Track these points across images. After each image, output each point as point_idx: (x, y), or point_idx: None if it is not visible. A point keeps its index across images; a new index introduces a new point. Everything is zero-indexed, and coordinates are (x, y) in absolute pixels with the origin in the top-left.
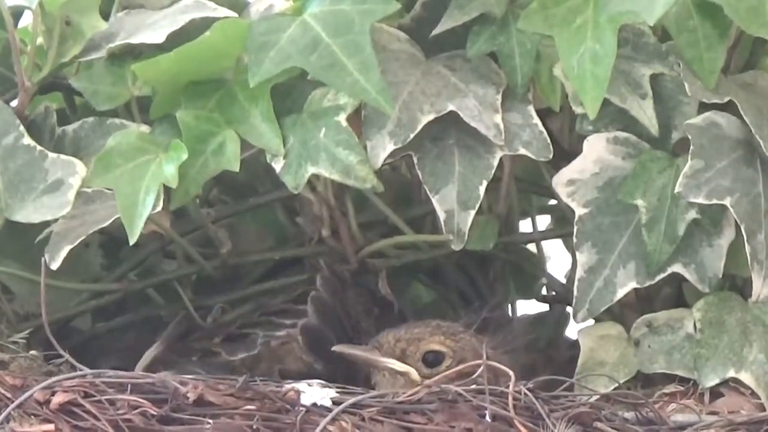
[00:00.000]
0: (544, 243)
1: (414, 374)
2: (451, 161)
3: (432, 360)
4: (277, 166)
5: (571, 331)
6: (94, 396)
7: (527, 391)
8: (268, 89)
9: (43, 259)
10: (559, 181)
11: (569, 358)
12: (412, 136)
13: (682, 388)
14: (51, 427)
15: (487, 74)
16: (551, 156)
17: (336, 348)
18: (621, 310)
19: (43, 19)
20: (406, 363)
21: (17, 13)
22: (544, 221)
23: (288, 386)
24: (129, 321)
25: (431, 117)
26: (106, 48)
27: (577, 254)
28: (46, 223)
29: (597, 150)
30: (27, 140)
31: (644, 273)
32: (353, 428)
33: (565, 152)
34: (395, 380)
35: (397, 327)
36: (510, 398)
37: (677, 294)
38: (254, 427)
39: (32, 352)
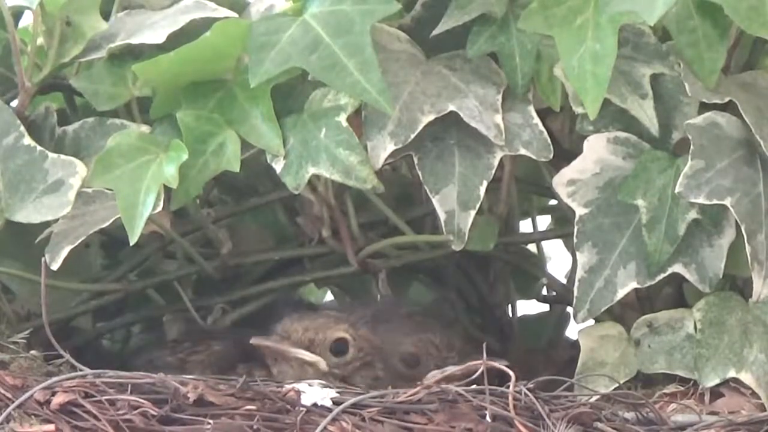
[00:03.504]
0: (544, 243)
1: (322, 364)
2: (452, 161)
3: (338, 349)
4: (278, 166)
5: (572, 331)
6: (95, 396)
7: (527, 391)
8: (269, 89)
9: (43, 260)
10: (560, 182)
11: (569, 358)
12: (412, 136)
13: (682, 388)
14: (51, 427)
15: (488, 74)
16: (551, 156)
17: (252, 340)
18: (621, 310)
19: (43, 19)
20: (314, 353)
21: (17, 13)
22: (544, 221)
23: (288, 386)
24: (129, 321)
25: (431, 117)
26: (107, 48)
27: (578, 254)
28: (47, 224)
29: (597, 150)
30: (27, 140)
31: (645, 273)
32: (353, 428)
33: (566, 152)
34: (303, 371)
35: (297, 316)
36: (510, 398)
37: (678, 294)
38: (254, 427)
39: (32, 352)
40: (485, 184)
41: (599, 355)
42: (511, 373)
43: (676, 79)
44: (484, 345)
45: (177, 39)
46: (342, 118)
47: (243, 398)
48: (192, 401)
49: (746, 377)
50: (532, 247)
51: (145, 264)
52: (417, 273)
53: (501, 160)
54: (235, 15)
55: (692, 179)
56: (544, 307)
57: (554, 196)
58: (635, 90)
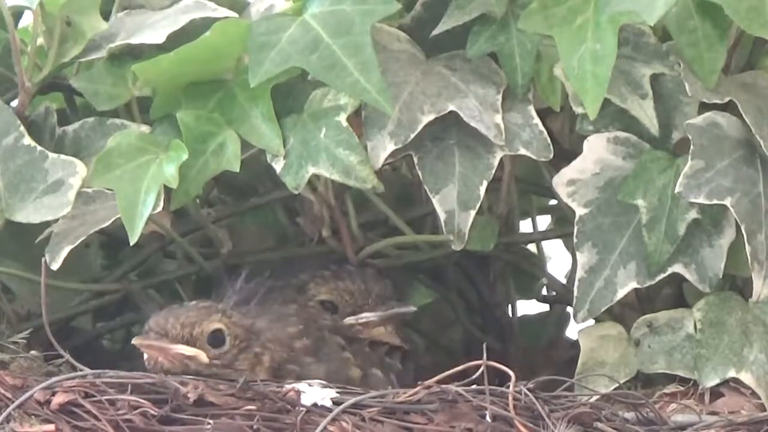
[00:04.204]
0: (544, 243)
1: (203, 357)
2: (452, 161)
3: (215, 340)
4: (278, 166)
5: (572, 331)
6: (95, 396)
7: (527, 391)
8: (269, 89)
9: (43, 260)
10: (560, 181)
11: (569, 358)
12: (412, 136)
13: (682, 388)
14: (51, 427)
15: (488, 74)
16: (551, 156)
17: (134, 340)
18: (621, 310)
19: (43, 19)
20: (194, 346)
21: (17, 13)
22: (544, 221)
23: (288, 386)
24: (129, 321)
25: (431, 117)
26: (107, 48)
27: (578, 254)
28: (47, 224)
29: (597, 150)
30: (27, 140)
31: (645, 273)
32: (353, 428)
33: (566, 152)
34: (184, 366)
35: (166, 311)
36: (510, 398)
37: (678, 294)
38: (254, 427)
39: (32, 352)
40: (485, 184)
41: (599, 355)
42: (511, 373)
43: (676, 79)
44: (484, 345)
45: (177, 39)
46: (342, 118)
47: (243, 398)
48: (192, 401)
49: (746, 377)
50: (532, 247)
51: (145, 264)
52: (417, 273)
53: (501, 160)
54: (235, 15)
55: (692, 179)
56: (544, 307)
57: (554, 196)
58: (635, 90)
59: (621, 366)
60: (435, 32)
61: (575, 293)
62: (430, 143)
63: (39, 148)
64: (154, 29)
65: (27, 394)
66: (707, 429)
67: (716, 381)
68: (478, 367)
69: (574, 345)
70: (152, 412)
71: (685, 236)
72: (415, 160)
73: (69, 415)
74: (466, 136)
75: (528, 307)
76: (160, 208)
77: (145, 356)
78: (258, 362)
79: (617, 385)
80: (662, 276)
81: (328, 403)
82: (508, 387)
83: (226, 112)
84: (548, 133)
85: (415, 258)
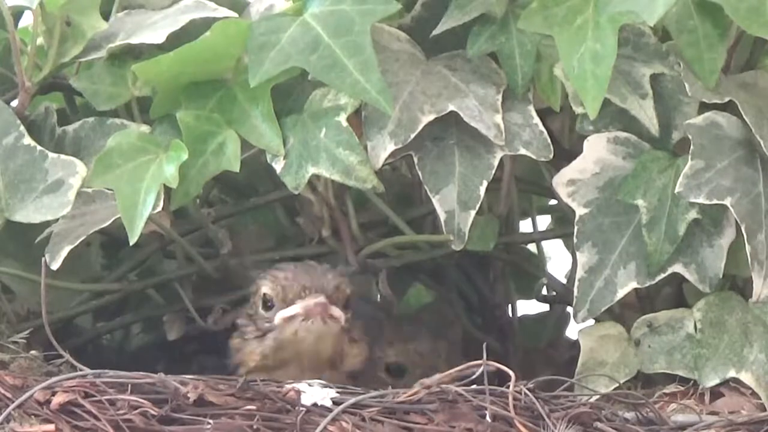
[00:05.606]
0: (544, 243)
1: (343, 320)
2: (452, 161)
3: (347, 305)
4: (278, 166)
5: (572, 331)
6: (95, 396)
7: (527, 391)
8: (269, 89)
9: (43, 259)
10: (560, 181)
11: (569, 358)
12: (412, 136)
13: (682, 388)
14: (51, 427)
15: (488, 74)
16: (551, 156)
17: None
18: (621, 310)
19: (43, 19)
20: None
21: (17, 13)
22: (544, 221)
23: (288, 386)
24: (129, 321)
25: (432, 117)
26: (107, 48)
27: (578, 254)
28: (47, 223)
29: (597, 150)
30: (27, 140)
31: (645, 273)
32: (353, 428)
33: (566, 152)
34: (327, 329)
35: (310, 270)
36: (510, 398)
37: (678, 294)
38: (254, 427)
39: (32, 352)
40: (485, 184)
41: (599, 355)
42: (511, 373)
43: (676, 79)
44: (485, 345)
45: (177, 39)
46: (342, 118)
47: (243, 398)
48: (192, 401)
49: (746, 377)
50: (532, 247)
51: (145, 264)
52: (417, 273)
53: (501, 160)
54: (235, 15)
55: (692, 179)
56: (544, 307)
57: (554, 196)
58: (635, 90)
59: (621, 366)
60: (435, 32)
61: (575, 293)
62: (430, 143)
63: (39, 148)
64: (154, 29)
65: (27, 394)
66: (707, 429)
67: (716, 381)
68: (478, 367)
69: (574, 345)
70: (152, 412)
71: (685, 236)
72: (415, 160)
73: (69, 415)
74: (466, 136)
75: (528, 307)
76: (160, 208)
77: (288, 313)
78: (359, 339)
79: (617, 385)
80: (662, 276)
81: (328, 403)
82: (508, 387)
83: (226, 112)
84: (548, 133)
85: (415, 258)
